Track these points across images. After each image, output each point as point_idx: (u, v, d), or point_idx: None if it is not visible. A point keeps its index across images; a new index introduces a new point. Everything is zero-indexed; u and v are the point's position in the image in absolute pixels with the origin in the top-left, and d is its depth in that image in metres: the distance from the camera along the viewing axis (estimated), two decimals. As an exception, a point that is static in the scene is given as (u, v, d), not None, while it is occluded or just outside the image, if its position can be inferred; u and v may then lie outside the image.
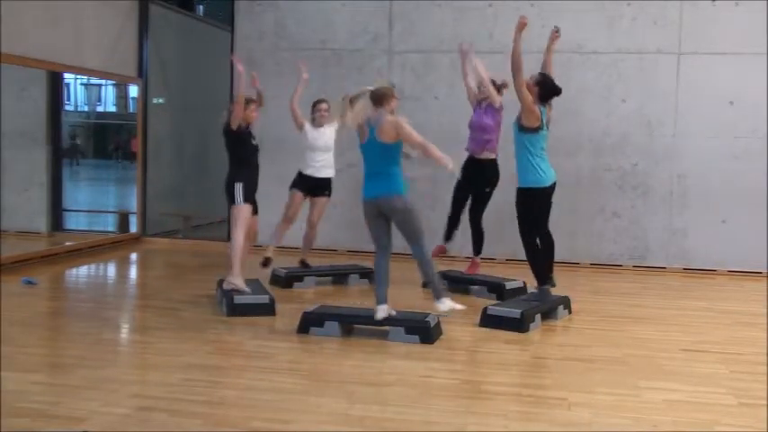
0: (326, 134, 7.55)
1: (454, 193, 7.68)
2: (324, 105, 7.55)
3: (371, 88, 5.72)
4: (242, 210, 6.53)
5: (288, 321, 6.08)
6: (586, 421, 4.13)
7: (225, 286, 6.49)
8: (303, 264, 7.77)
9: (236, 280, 6.46)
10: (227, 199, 6.61)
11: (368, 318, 5.84)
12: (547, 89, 6.25)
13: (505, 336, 5.85)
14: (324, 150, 7.52)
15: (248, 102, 6.63)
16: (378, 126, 5.61)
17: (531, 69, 9.03)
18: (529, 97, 6.09)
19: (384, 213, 5.72)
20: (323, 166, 7.54)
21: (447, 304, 5.83)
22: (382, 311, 5.72)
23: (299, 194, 7.56)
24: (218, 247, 9.48)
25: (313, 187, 7.58)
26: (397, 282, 7.58)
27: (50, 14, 8.52)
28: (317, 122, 7.58)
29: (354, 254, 9.15)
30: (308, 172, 7.55)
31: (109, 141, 14.06)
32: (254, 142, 6.74)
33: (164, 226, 10.76)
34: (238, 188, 6.50)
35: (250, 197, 6.60)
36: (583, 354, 5.46)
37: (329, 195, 7.67)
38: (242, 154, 6.59)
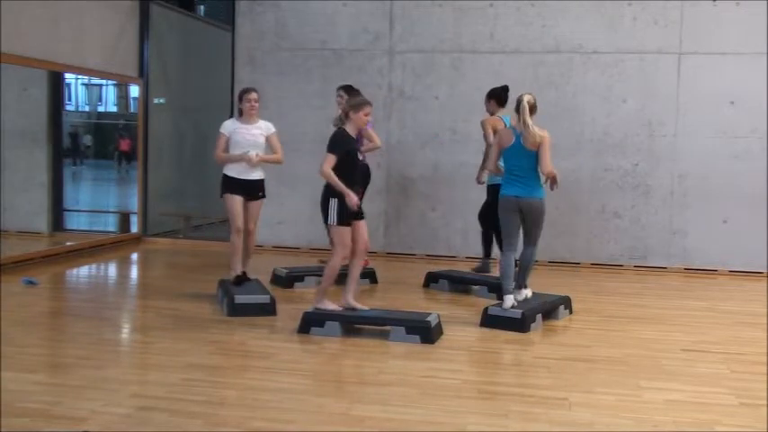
0: (254, 130, 6.72)
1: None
2: (254, 95, 6.71)
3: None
4: (341, 233, 5.81)
5: (288, 321, 6.07)
6: (587, 421, 4.13)
7: (316, 305, 5.92)
8: (244, 276, 6.82)
9: (325, 304, 5.91)
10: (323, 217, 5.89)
11: (368, 318, 5.84)
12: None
13: (506, 336, 5.85)
14: (253, 147, 6.67)
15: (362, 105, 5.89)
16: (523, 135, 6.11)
17: (531, 69, 9.08)
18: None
19: (523, 212, 6.14)
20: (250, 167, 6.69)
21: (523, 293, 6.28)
22: (510, 300, 6.06)
23: (236, 198, 6.68)
24: (219, 247, 9.48)
25: (246, 190, 6.73)
26: (397, 281, 7.59)
27: (51, 14, 8.52)
28: (245, 116, 6.75)
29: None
30: (233, 174, 6.70)
31: (109, 142, 14.06)
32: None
33: (164, 226, 10.77)
34: (333, 205, 5.77)
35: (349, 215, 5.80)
36: (583, 354, 5.46)
37: (263, 197, 6.86)
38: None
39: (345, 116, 5.90)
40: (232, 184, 6.68)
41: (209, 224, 11.41)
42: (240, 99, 6.79)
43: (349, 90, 7.48)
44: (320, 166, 5.76)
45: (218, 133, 6.75)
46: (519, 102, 6.14)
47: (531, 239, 6.25)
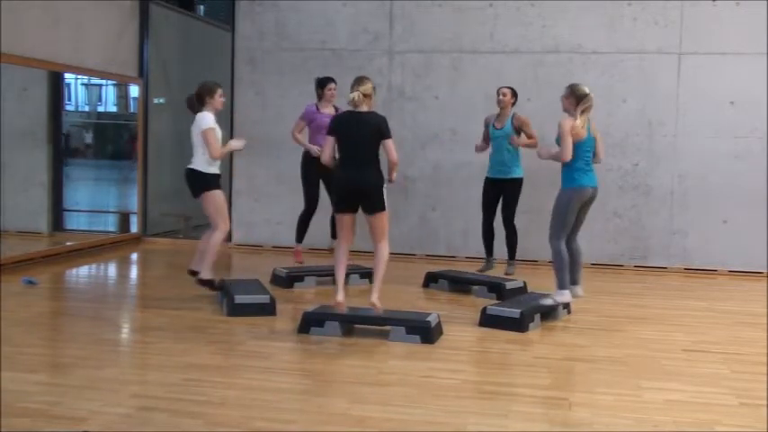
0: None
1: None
2: (220, 91, 6.56)
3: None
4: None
5: (288, 321, 6.08)
6: (587, 421, 4.13)
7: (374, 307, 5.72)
8: (220, 283, 6.68)
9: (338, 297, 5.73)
10: (375, 204, 5.68)
11: (369, 318, 5.84)
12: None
13: (506, 336, 5.85)
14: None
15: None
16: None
17: (531, 69, 9.07)
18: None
19: (590, 201, 6.27)
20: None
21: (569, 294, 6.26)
22: (565, 296, 6.16)
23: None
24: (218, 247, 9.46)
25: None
26: (397, 281, 7.58)
27: (51, 14, 8.52)
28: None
29: (354, 254, 9.12)
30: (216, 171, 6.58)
31: (109, 141, 14.04)
32: None
33: (164, 226, 10.76)
34: (385, 193, 5.72)
35: None
36: (583, 354, 5.46)
37: (193, 194, 6.60)
38: None
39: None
40: (217, 181, 6.55)
41: (209, 224, 11.37)
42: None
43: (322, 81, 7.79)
44: (394, 154, 5.63)
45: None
46: (587, 95, 6.24)
47: (579, 230, 6.40)
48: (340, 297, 5.62)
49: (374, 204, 5.63)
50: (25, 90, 9.72)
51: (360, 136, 5.53)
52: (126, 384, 4.57)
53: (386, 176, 5.74)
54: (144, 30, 10.24)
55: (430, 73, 9.35)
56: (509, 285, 7.19)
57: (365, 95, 5.56)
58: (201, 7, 18.63)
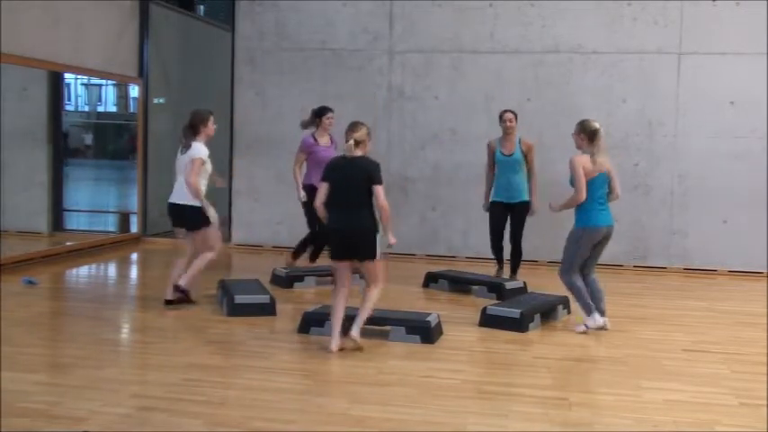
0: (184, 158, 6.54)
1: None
2: (212, 118, 6.58)
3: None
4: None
5: (288, 321, 6.08)
6: (587, 421, 4.13)
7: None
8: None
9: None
10: (367, 250, 5.43)
11: (369, 318, 5.83)
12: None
13: (506, 336, 5.85)
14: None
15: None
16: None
17: (531, 69, 9.08)
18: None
19: (606, 239, 6.06)
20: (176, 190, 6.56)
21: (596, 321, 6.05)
22: (596, 320, 5.99)
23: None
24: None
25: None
26: (397, 281, 7.58)
27: (51, 14, 8.52)
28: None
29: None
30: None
31: (109, 141, 14.04)
32: None
33: (164, 226, 10.74)
34: (379, 239, 5.50)
35: None
36: (583, 354, 5.46)
37: (189, 229, 6.53)
38: None
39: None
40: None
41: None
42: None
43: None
44: (382, 199, 5.40)
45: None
46: (598, 131, 5.94)
47: (594, 265, 6.16)
48: (334, 347, 5.38)
49: (366, 250, 5.42)
50: (25, 90, 9.72)
51: (350, 180, 5.49)
52: (126, 384, 4.57)
53: (380, 225, 5.57)
54: (144, 30, 10.24)
55: (430, 73, 9.35)
56: (509, 285, 7.20)
57: (358, 142, 5.55)
58: (201, 7, 18.64)
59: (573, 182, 5.92)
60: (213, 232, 6.47)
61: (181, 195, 6.42)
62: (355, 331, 5.39)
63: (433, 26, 9.30)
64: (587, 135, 5.93)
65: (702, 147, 8.81)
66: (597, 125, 5.96)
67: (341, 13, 9.50)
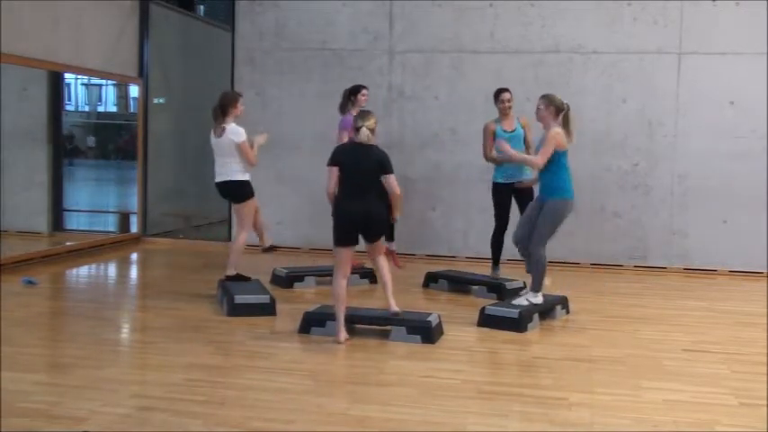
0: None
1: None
2: (241, 99, 7.04)
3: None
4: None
5: (288, 321, 6.08)
6: (586, 421, 4.13)
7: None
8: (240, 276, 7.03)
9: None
10: (380, 231, 5.83)
11: (369, 318, 5.84)
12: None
13: (506, 336, 5.85)
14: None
15: None
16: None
17: (531, 69, 9.08)
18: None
19: None
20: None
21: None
22: (539, 298, 6.25)
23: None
24: (219, 247, 9.48)
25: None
26: (397, 281, 7.58)
27: (51, 14, 8.52)
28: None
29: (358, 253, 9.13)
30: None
31: (109, 141, 14.06)
32: None
33: (164, 226, 10.76)
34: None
35: None
36: (583, 354, 5.46)
37: (237, 201, 7.02)
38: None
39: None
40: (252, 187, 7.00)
41: (208, 224, 11.41)
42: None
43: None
44: (396, 186, 5.70)
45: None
46: (568, 108, 6.23)
47: None
48: (341, 337, 5.51)
49: (379, 232, 5.76)
50: (25, 90, 9.72)
51: (363, 166, 5.59)
52: (126, 384, 4.57)
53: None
54: (144, 30, 10.24)
55: (430, 73, 9.35)
56: (509, 285, 7.19)
57: (370, 130, 5.63)
58: (201, 7, 18.64)
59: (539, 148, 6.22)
60: (252, 212, 7.01)
61: (226, 173, 6.88)
62: (393, 304, 5.72)
63: (433, 26, 9.30)
64: (556, 108, 6.20)
65: (702, 147, 8.81)
66: (564, 100, 6.27)
67: (341, 13, 9.50)
